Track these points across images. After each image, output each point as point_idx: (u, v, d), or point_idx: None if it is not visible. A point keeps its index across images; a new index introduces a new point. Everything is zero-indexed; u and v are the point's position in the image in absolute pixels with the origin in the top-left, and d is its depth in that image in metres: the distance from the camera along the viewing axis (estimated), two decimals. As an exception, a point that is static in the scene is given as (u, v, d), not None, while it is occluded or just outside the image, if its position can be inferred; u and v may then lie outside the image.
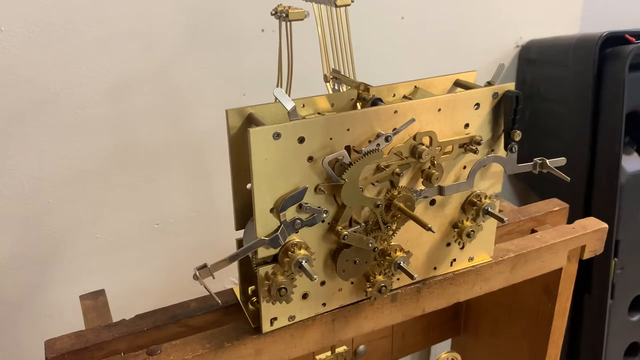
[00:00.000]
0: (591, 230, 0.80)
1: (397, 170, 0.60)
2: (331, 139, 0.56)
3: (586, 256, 0.82)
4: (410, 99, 0.66)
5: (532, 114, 1.32)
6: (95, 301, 0.69)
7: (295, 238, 0.58)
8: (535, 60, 1.31)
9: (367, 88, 0.63)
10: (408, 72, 1.22)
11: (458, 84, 0.69)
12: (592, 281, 1.29)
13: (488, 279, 0.74)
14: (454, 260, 0.71)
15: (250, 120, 0.58)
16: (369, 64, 1.16)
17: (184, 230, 1.11)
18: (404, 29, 1.18)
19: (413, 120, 0.58)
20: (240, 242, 0.63)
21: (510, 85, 0.65)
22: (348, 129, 0.57)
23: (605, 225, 0.81)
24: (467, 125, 0.64)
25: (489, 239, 0.72)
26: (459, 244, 0.68)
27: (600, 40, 1.15)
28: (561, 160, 0.69)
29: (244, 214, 0.62)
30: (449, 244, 0.69)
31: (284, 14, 0.65)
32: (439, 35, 1.22)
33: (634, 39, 1.17)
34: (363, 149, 0.57)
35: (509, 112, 0.64)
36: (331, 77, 0.68)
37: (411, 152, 0.60)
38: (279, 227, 0.56)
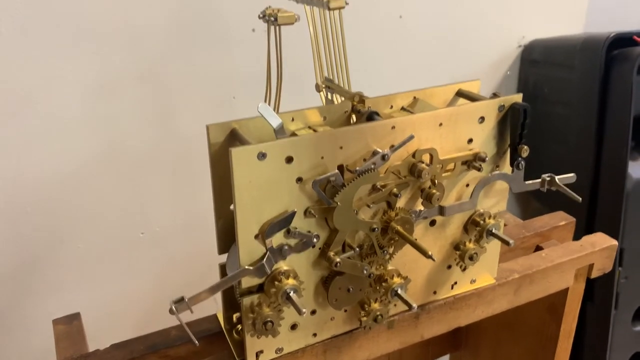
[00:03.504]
0: (600, 248, 0.75)
1: (395, 190, 0.55)
2: (322, 157, 0.51)
3: (594, 275, 0.77)
4: (409, 110, 0.60)
5: (535, 116, 1.27)
6: (69, 326, 0.64)
7: (283, 265, 0.53)
8: (538, 60, 1.26)
9: (362, 99, 0.58)
10: (406, 74, 1.17)
11: (460, 94, 0.64)
12: (595, 290, 1.25)
13: (491, 302, 0.69)
14: (455, 283, 0.66)
15: (233, 137, 0.53)
16: (365, 64, 1.11)
17: (171, 239, 1.06)
18: (402, 28, 1.13)
19: (412, 137, 0.53)
20: (223, 268, 0.58)
21: (518, 97, 0.60)
22: (341, 147, 0.51)
23: (615, 242, 0.77)
24: (470, 140, 0.58)
25: (493, 260, 0.67)
26: (460, 267, 0.64)
27: (607, 41, 1.10)
28: (571, 177, 0.64)
29: (228, 236, 0.57)
30: (450, 267, 0.64)
31: (272, 18, 0.60)
32: (438, 34, 1.17)
33: (641, 40, 1.12)
34: (357, 168, 0.52)
35: (516, 126, 0.59)
36: (324, 86, 0.63)
37: (410, 170, 0.55)
38: (265, 254, 0.51)
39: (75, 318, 0.66)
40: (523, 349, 0.85)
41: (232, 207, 0.56)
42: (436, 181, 0.56)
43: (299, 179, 0.51)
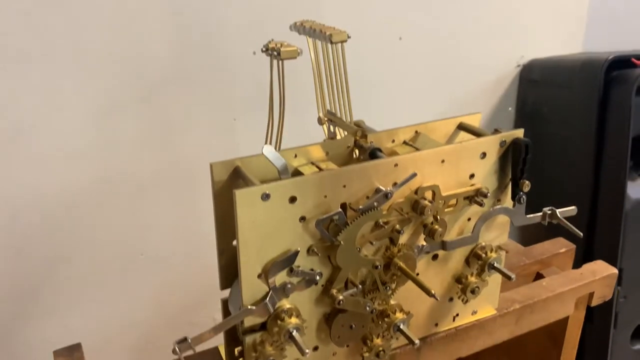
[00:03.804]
0: (600, 277, 0.75)
1: (397, 227, 0.55)
2: (325, 196, 0.51)
3: (594, 303, 0.77)
4: (411, 145, 0.61)
5: (534, 136, 1.27)
6: (70, 358, 0.64)
7: (285, 303, 0.53)
8: (537, 80, 1.27)
9: (364, 134, 0.58)
10: (406, 94, 1.17)
11: (462, 127, 0.64)
12: (594, 310, 1.24)
13: (492, 332, 0.69)
14: (457, 315, 0.66)
15: (237, 175, 0.53)
16: (363, 86, 1.11)
17: (170, 260, 1.05)
18: (402, 50, 1.13)
19: (415, 174, 0.53)
20: (225, 303, 0.58)
21: (519, 132, 0.60)
22: (344, 186, 0.52)
23: (615, 271, 0.77)
24: (472, 176, 0.59)
25: (494, 291, 0.67)
26: (462, 300, 0.64)
27: (606, 63, 1.10)
28: (572, 210, 0.64)
29: (230, 271, 0.57)
30: (451, 299, 0.64)
31: (275, 52, 0.60)
32: (438, 55, 1.18)
33: (639, 62, 1.13)
34: (360, 207, 0.52)
35: (517, 162, 0.59)
36: (326, 119, 0.63)
37: (412, 207, 0.55)
38: (268, 293, 0.51)
39: (75, 349, 0.65)
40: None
41: (234, 242, 0.56)
42: (438, 217, 0.57)
43: (302, 218, 0.51)
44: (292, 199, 0.49)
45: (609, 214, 1.18)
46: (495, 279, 0.66)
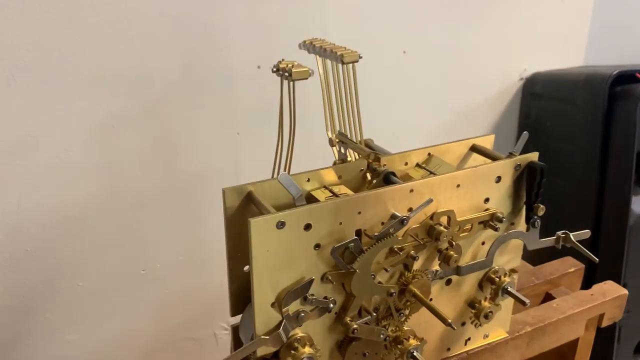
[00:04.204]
0: (611, 298, 0.75)
1: (412, 252, 0.54)
2: (341, 223, 0.50)
3: (604, 324, 0.77)
4: (424, 168, 0.60)
5: (536, 149, 1.27)
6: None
7: (298, 332, 0.52)
8: (540, 94, 1.26)
9: (377, 157, 0.57)
10: (409, 108, 1.17)
11: (475, 149, 0.63)
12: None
13: (503, 356, 0.68)
14: (469, 339, 0.65)
15: (249, 200, 0.52)
16: (369, 100, 1.11)
17: (172, 276, 1.04)
18: (406, 64, 1.12)
19: (431, 200, 0.52)
20: (235, 330, 0.57)
21: (534, 156, 0.59)
22: (359, 212, 0.51)
23: (625, 292, 0.76)
24: (487, 200, 0.58)
25: (506, 314, 0.66)
26: (475, 324, 0.63)
27: (610, 78, 1.10)
28: (585, 233, 0.63)
29: (241, 298, 0.56)
30: (464, 324, 0.63)
31: (286, 73, 0.59)
32: (441, 68, 1.17)
33: (644, 77, 1.13)
34: (376, 233, 0.51)
35: (532, 185, 0.59)
36: (337, 140, 0.62)
37: (428, 233, 0.54)
38: (281, 322, 0.50)
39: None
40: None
41: (246, 268, 0.55)
42: (454, 242, 0.56)
43: (317, 246, 0.50)
44: (307, 227, 0.48)
45: (613, 229, 1.17)
46: (507, 303, 0.65)
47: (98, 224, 0.94)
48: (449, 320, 0.52)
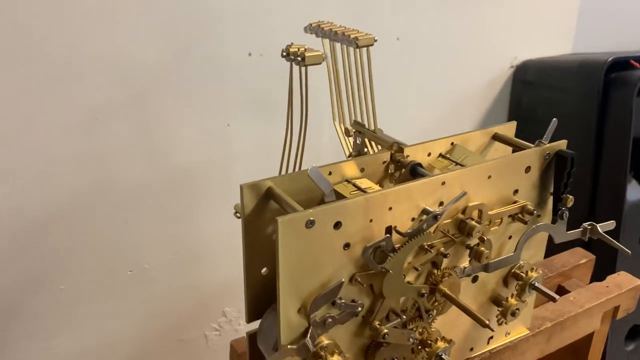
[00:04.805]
0: (626, 290, 0.73)
1: (443, 250, 0.50)
2: (371, 220, 0.46)
3: (619, 316, 0.74)
4: (448, 158, 0.56)
5: (527, 138, 1.25)
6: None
7: (324, 339, 0.48)
8: (531, 82, 1.24)
9: (400, 148, 0.54)
10: (401, 96, 1.13)
11: (497, 138, 0.60)
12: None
13: (524, 353, 0.66)
14: (491, 337, 0.62)
15: (267, 196, 0.48)
16: (361, 88, 1.07)
17: (161, 276, 0.99)
18: (399, 51, 1.09)
19: (465, 193, 0.49)
20: (251, 337, 0.52)
21: (562, 144, 0.56)
22: (390, 208, 0.47)
23: (639, 282, 0.74)
24: (516, 192, 0.55)
25: (528, 311, 0.63)
26: (501, 323, 0.59)
27: (605, 65, 1.08)
28: (610, 224, 0.61)
29: (259, 303, 0.51)
30: (488, 322, 0.60)
31: (299, 57, 0.55)
32: (432, 57, 1.13)
33: (638, 64, 1.12)
34: (409, 230, 0.47)
35: (561, 175, 0.56)
36: (354, 131, 0.58)
37: (459, 228, 0.51)
38: (307, 329, 0.46)
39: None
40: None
41: (264, 271, 0.50)
42: (485, 238, 0.52)
43: (347, 245, 0.45)
44: (337, 225, 0.44)
45: (608, 217, 1.16)
46: (530, 298, 0.62)
47: (81, 222, 0.88)
48: (487, 321, 0.49)
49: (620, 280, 0.74)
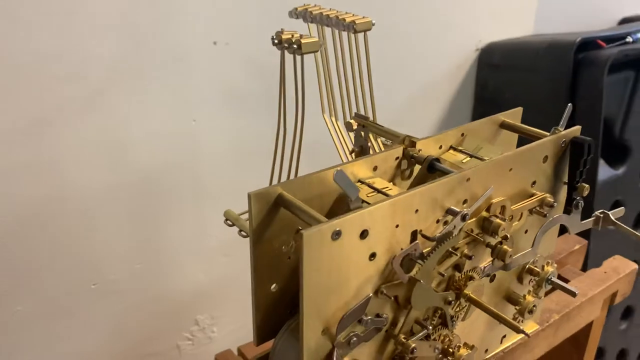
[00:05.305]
0: (624, 274, 0.71)
1: (467, 251, 0.46)
2: (397, 226, 0.41)
3: (617, 301, 0.73)
4: (460, 150, 0.52)
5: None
6: None
7: None
8: (498, 64, 1.22)
9: (413, 142, 0.49)
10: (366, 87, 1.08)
11: (505, 126, 0.56)
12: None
13: (533, 348, 0.63)
14: (504, 336, 0.59)
15: (279, 203, 0.42)
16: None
17: (128, 287, 0.91)
18: (361, 38, 1.04)
19: (492, 189, 0.45)
20: (263, 361, 0.47)
21: (576, 130, 0.53)
22: (417, 210, 0.42)
23: (635, 266, 0.73)
24: (534, 183, 0.51)
25: (539, 306, 0.60)
26: (518, 321, 0.56)
27: (575, 45, 1.07)
28: (620, 211, 0.59)
29: (268, 323, 0.46)
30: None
31: (295, 45, 0.49)
32: (396, 41, 1.09)
33: (604, 44, 1.11)
34: (437, 234, 0.42)
35: (577, 164, 0.53)
36: (357, 124, 0.53)
37: (482, 227, 0.47)
38: (332, 351, 0.41)
39: None
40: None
41: (273, 287, 0.45)
42: (508, 235, 0.48)
43: (372, 255, 0.41)
44: (364, 234, 0.39)
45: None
46: (540, 293, 0.59)
47: (36, 236, 0.79)
48: (521, 327, 0.45)
49: (617, 265, 0.73)
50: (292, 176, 0.55)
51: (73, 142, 0.77)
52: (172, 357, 1.01)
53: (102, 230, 0.85)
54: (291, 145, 0.54)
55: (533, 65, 1.16)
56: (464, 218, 0.43)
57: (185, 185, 0.90)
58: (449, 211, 0.44)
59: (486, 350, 0.57)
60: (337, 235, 0.37)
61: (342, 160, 0.56)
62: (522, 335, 0.60)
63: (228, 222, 0.54)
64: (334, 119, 0.60)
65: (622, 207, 0.59)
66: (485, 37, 1.25)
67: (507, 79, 1.22)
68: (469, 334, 0.53)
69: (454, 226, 0.43)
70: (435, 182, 0.42)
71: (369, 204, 0.41)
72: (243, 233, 0.53)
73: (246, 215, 0.55)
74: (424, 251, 0.42)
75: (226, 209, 0.53)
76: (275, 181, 0.56)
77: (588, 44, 1.12)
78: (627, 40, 1.16)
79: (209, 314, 1.03)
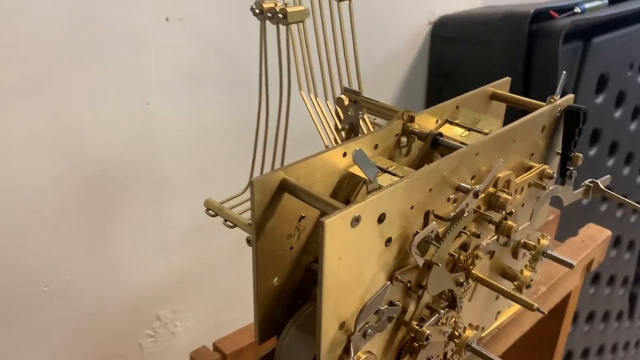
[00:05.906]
0: (600, 242, 0.72)
1: (475, 230, 0.44)
2: (412, 207, 0.38)
3: (593, 269, 0.74)
4: (457, 123, 0.49)
5: (452, 95, 1.23)
6: None
7: (361, 355, 0.40)
8: (452, 37, 1.21)
9: (411, 117, 0.46)
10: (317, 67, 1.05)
11: (495, 97, 0.54)
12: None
13: (523, 323, 0.62)
14: (499, 312, 0.58)
15: (283, 189, 0.38)
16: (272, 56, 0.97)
17: (83, 287, 0.84)
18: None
19: (502, 162, 0.43)
20: (267, 361, 0.43)
21: (570, 99, 0.52)
22: (430, 189, 0.39)
23: (609, 232, 0.74)
24: (532, 155, 0.49)
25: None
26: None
27: (529, 16, 1.07)
28: (607, 179, 0.58)
29: (271, 320, 0.42)
30: (497, 298, 0.56)
31: (280, 15, 0.45)
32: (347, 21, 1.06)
33: (557, 14, 1.12)
34: (452, 214, 0.40)
35: (572, 133, 0.51)
36: (348, 99, 0.49)
37: (489, 203, 0.45)
38: (347, 344, 0.38)
39: None
40: (520, 351, 0.81)
41: (275, 280, 0.41)
42: (512, 211, 0.47)
43: (389, 240, 0.38)
44: (381, 218, 0.36)
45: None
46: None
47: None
48: (535, 305, 0.44)
49: (592, 233, 0.73)
50: (277, 162, 0.51)
51: (14, 133, 0.70)
52: (135, 356, 0.96)
53: (51, 227, 0.78)
54: (275, 128, 0.50)
55: (488, 38, 1.15)
56: (476, 195, 0.41)
57: (141, 174, 0.84)
58: (459, 188, 0.41)
59: (482, 328, 0.56)
60: (356, 221, 0.34)
61: (324, 142, 0.53)
62: (513, 310, 0.59)
63: (210, 212, 0.50)
64: (312, 96, 0.56)
65: (609, 176, 0.58)
66: (438, 10, 1.23)
67: (461, 52, 1.21)
68: (470, 315, 0.52)
69: (467, 204, 0.40)
70: (447, 158, 0.40)
71: (381, 185, 0.37)
72: (229, 223, 0.48)
73: (229, 203, 0.51)
74: (440, 234, 0.39)
75: (188, 198, 0.49)
76: (257, 167, 0.52)
77: (540, 15, 1.12)
78: (576, 10, 1.18)
79: (171, 308, 0.97)
